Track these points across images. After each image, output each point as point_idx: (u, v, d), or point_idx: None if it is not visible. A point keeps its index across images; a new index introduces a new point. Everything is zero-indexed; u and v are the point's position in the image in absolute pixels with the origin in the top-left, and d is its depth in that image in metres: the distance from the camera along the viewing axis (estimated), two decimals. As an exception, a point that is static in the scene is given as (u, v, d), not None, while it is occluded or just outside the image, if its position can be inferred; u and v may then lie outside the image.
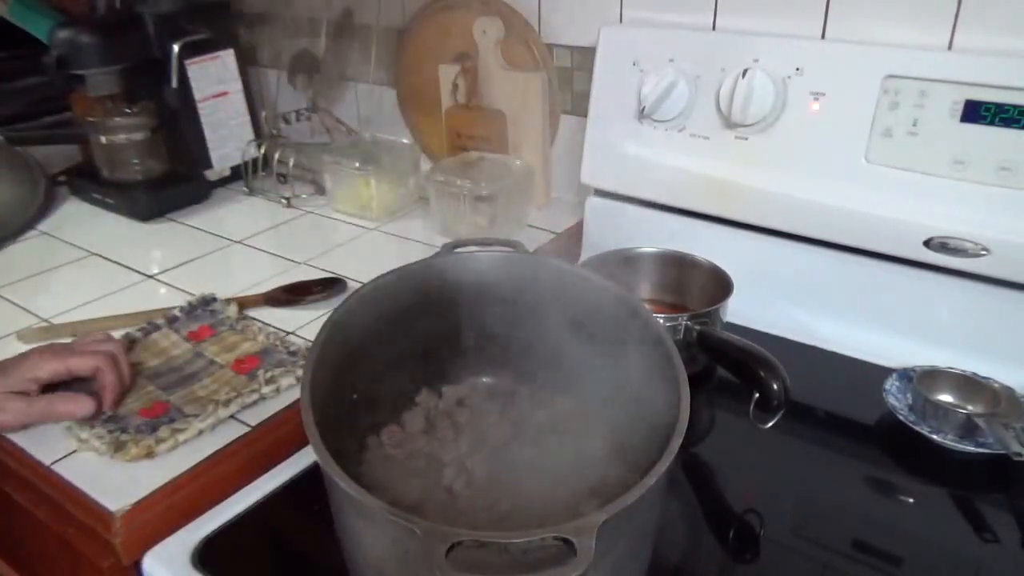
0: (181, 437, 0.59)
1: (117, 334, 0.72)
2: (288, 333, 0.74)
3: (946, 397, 0.66)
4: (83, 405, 0.60)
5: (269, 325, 0.75)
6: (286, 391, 0.66)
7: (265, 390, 0.65)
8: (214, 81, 1.08)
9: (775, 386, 0.56)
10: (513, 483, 0.52)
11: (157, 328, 0.74)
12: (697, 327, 0.66)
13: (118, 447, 0.58)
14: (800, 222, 0.77)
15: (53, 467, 0.58)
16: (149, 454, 0.58)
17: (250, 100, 1.14)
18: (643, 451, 0.49)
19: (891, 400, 0.65)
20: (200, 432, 0.60)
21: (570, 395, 0.59)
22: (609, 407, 0.57)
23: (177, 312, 0.76)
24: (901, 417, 0.64)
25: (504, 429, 0.57)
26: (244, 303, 0.79)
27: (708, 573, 0.54)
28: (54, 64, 0.97)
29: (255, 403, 0.64)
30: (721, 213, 0.82)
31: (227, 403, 0.63)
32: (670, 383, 0.46)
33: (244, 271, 0.89)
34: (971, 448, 0.60)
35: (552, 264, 0.59)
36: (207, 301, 0.78)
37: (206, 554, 0.52)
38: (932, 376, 0.66)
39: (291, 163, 1.07)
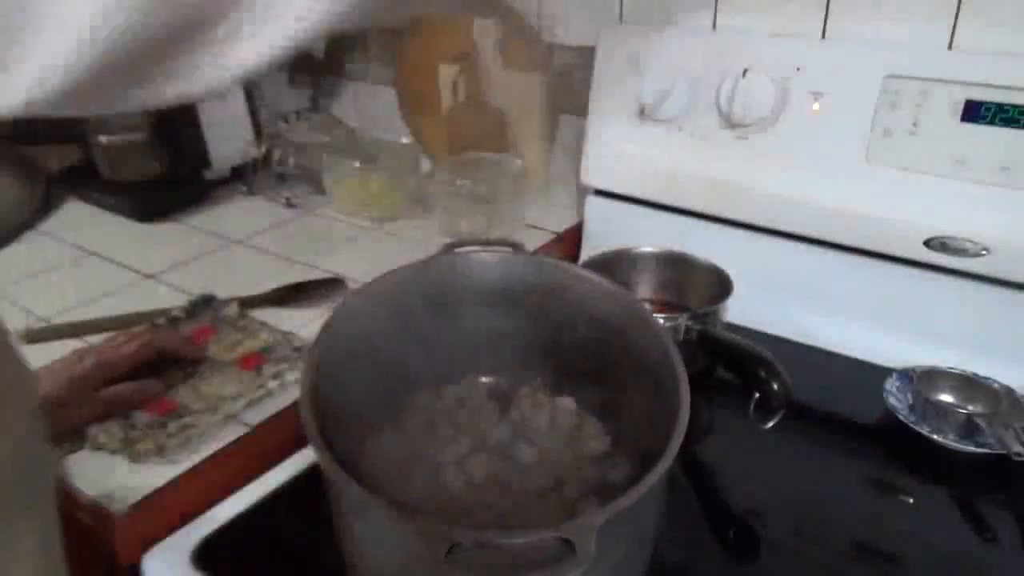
0: (191, 432, 0.59)
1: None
2: (288, 333, 0.74)
3: (946, 397, 0.66)
4: (156, 386, 0.63)
5: (269, 324, 0.75)
6: (292, 386, 0.66)
7: (271, 385, 0.65)
8: (214, 81, 1.08)
9: (775, 386, 0.56)
10: (513, 483, 0.52)
11: (159, 328, 0.74)
12: (697, 327, 0.66)
13: (128, 444, 0.58)
14: (800, 222, 0.77)
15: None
16: (160, 450, 0.58)
17: (250, 100, 1.14)
18: (643, 451, 0.49)
19: (891, 400, 0.66)
20: (209, 427, 0.60)
21: (570, 395, 0.59)
22: (609, 407, 0.57)
23: (178, 313, 0.76)
24: (901, 417, 0.64)
25: (504, 429, 0.57)
26: (244, 303, 0.79)
27: (708, 573, 0.54)
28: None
29: (261, 399, 0.64)
30: (721, 213, 0.82)
31: (235, 398, 0.63)
32: (670, 383, 0.46)
33: (244, 271, 0.89)
34: (971, 448, 0.60)
35: (552, 264, 0.59)
36: (207, 300, 0.78)
37: (206, 554, 0.52)
38: (932, 376, 0.66)
39: (291, 163, 1.07)
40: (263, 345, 0.71)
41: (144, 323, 0.75)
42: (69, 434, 0.59)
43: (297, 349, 0.70)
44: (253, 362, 0.68)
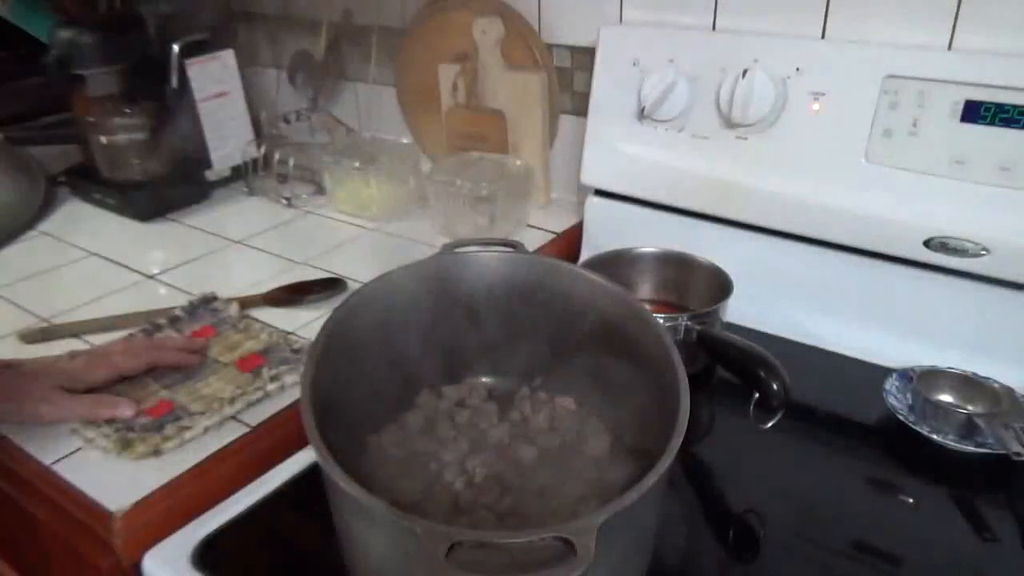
0: (187, 435, 0.59)
1: (119, 335, 0.73)
2: (289, 333, 0.74)
3: (946, 397, 0.66)
4: (124, 408, 0.61)
5: (270, 325, 0.75)
6: (290, 388, 0.66)
7: (270, 387, 0.65)
8: (214, 81, 1.08)
9: (775, 386, 0.56)
10: (513, 483, 0.52)
11: (159, 328, 0.74)
12: (697, 327, 0.66)
13: (125, 445, 0.58)
14: (800, 222, 0.77)
15: (53, 467, 0.58)
16: (156, 452, 0.58)
17: (250, 100, 1.14)
18: (643, 451, 0.49)
19: (891, 400, 0.66)
20: (206, 430, 0.60)
21: (570, 395, 0.59)
22: (609, 407, 0.57)
23: (179, 312, 0.76)
24: (901, 417, 0.64)
25: (504, 429, 0.57)
26: (244, 303, 0.79)
27: (708, 573, 0.54)
28: (54, 64, 0.97)
29: (259, 401, 0.64)
30: (721, 213, 0.82)
31: (232, 400, 0.63)
32: (670, 383, 0.46)
33: (244, 271, 0.89)
34: (971, 448, 0.60)
35: (552, 264, 0.59)
36: (208, 300, 0.78)
37: (206, 554, 0.52)
38: (932, 376, 0.66)
39: (291, 163, 1.07)
40: (263, 347, 0.71)
41: (145, 322, 0.75)
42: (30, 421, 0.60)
43: (296, 351, 0.70)
44: (252, 364, 0.68)
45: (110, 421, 0.61)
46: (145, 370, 0.66)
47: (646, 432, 0.49)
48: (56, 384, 0.60)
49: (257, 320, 0.76)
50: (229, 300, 0.78)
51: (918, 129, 0.69)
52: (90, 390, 0.62)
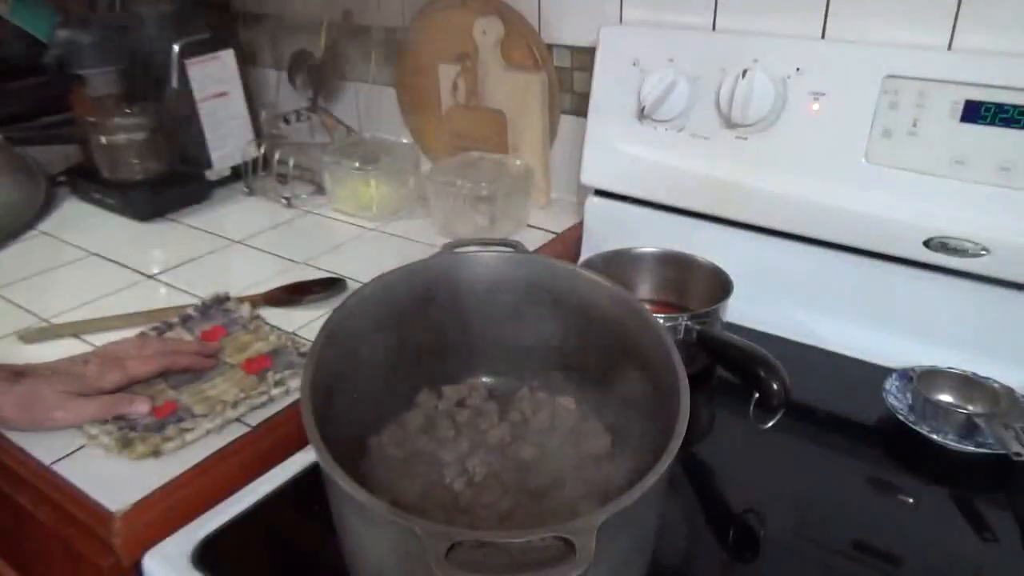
0: (188, 437, 0.59)
1: (119, 335, 0.73)
2: (295, 336, 0.74)
3: (946, 397, 0.66)
4: (140, 405, 0.62)
5: (279, 327, 0.75)
6: (295, 392, 0.66)
7: (274, 392, 0.65)
8: (214, 81, 1.08)
9: (775, 386, 0.56)
10: (513, 483, 0.52)
11: (171, 327, 0.74)
12: (697, 327, 0.66)
13: (125, 444, 0.58)
14: (800, 222, 0.77)
15: (53, 467, 0.58)
16: (155, 452, 0.58)
17: (250, 100, 1.14)
18: (643, 451, 0.49)
19: (891, 400, 0.66)
20: (208, 432, 0.60)
21: (570, 395, 0.59)
22: (609, 407, 0.57)
23: (191, 312, 0.76)
24: (901, 417, 0.64)
25: (504, 429, 0.57)
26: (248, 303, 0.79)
27: (708, 573, 0.54)
28: (54, 64, 0.97)
29: (263, 405, 0.64)
30: (721, 213, 0.82)
31: (236, 404, 0.63)
32: (670, 384, 0.46)
33: (244, 271, 0.89)
34: (971, 448, 0.60)
35: (552, 264, 0.59)
36: (221, 300, 0.78)
37: (206, 554, 0.52)
38: (932, 376, 0.66)
39: (291, 163, 1.07)
40: (271, 348, 0.71)
41: (159, 321, 0.74)
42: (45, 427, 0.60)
43: (303, 355, 0.70)
44: (258, 366, 0.68)
45: (118, 418, 0.61)
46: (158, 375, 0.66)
47: (646, 432, 0.49)
48: (69, 389, 0.60)
49: (267, 321, 0.76)
50: (241, 300, 0.78)
51: (918, 129, 0.69)
52: (101, 392, 0.62)
